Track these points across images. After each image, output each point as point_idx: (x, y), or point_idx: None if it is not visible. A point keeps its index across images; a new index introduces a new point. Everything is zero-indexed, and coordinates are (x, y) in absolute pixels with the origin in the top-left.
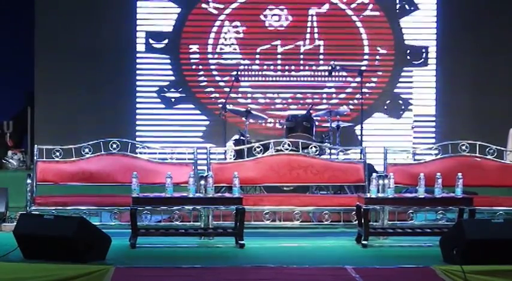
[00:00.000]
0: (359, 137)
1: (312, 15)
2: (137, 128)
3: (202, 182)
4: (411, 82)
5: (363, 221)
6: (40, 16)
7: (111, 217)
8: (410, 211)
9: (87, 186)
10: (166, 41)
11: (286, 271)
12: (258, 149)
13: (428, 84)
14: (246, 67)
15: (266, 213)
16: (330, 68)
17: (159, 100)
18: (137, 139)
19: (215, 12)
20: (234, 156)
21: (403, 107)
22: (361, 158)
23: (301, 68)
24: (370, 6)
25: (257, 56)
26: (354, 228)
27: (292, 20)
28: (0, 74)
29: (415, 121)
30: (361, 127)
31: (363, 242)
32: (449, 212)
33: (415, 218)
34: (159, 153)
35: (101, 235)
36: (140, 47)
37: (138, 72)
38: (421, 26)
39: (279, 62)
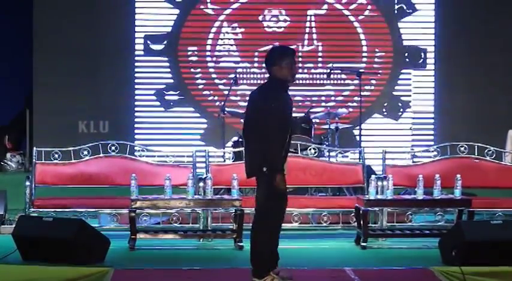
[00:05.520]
0: (357, 139)
1: (310, 17)
2: (136, 130)
3: (201, 184)
4: (409, 84)
5: (361, 222)
6: (38, 18)
7: (110, 219)
8: (409, 213)
9: (86, 188)
10: (164, 43)
11: None
12: None
13: (426, 85)
14: (245, 69)
15: None
16: (328, 69)
17: (157, 103)
18: (136, 141)
19: (213, 13)
20: (232, 158)
21: (401, 109)
22: (359, 160)
23: (300, 69)
24: (369, 7)
25: (255, 58)
26: (353, 230)
27: (290, 21)
28: None
29: (414, 123)
30: (360, 129)
31: (362, 243)
32: (448, 213)
33: (414, 220)
34: (158, 155)
35: (100, 237)
36: (139, 49)
37: (136, 74)
38: (419, 27)
39: None
